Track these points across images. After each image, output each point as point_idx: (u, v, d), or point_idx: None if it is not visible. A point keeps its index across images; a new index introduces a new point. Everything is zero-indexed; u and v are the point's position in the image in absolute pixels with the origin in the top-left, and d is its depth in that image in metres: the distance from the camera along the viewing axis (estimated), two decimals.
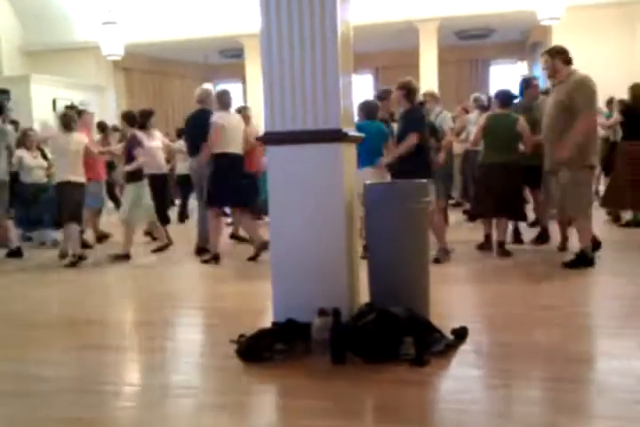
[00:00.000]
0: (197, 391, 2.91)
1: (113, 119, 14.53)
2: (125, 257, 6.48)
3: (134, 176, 6.66)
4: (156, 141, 7.43)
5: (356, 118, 4.97)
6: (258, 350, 3.16)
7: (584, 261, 5.12)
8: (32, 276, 5.99)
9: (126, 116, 7.10)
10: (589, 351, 3.35)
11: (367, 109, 5.93)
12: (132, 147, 6.63)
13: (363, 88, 14.57)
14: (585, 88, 5.05)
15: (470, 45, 15.26)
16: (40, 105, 12.54)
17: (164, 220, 7.33)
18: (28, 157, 7.36)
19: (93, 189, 7.34)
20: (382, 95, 6.61)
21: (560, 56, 5.16)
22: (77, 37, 13.97)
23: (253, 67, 13.70)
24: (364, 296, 3.57)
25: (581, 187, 5.13)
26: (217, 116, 6.13)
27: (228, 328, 3.70)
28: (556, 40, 11.98)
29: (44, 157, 7.66)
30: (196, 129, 6.38)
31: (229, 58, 15.87)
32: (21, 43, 14.30)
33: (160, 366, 3.30)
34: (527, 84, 6.62)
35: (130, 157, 6.64)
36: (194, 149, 6.52)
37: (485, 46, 15.41)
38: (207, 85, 17.10)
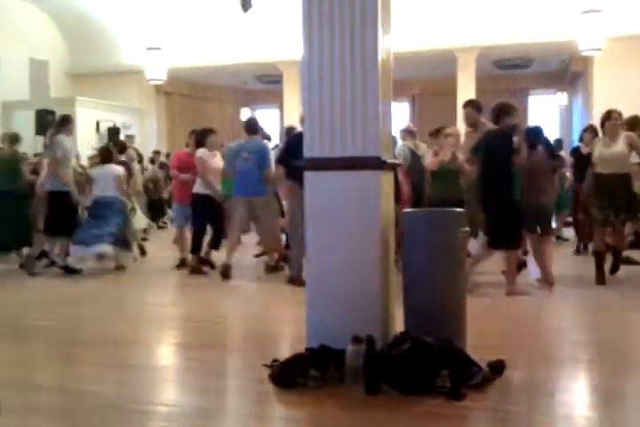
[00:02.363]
0: (229, 414, 2.91)
1: (154, 142, 14.91)
2: None
3: None
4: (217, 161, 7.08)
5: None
6: (291, 375, 3.13)
7: None
8: (71, 292, 6.08)
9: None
10: (632, 389, 3.24)
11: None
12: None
13: (399, 115, 14.66)
14: None
15: (509, 75, 15.20)
16: (84, 127, 12.92)
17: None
18: None
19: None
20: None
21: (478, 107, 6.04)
22: (122, 62, 14.39)
23: (291, 93, 13.91)
24: (399, 324, 3.53)
25: None
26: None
27: (261, 352, 3.68)
28: (598, 71, 11.92)
29: None
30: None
31: (267, 84, 16.12)
32: (68, 66, 14.79)
33: (194, 387, 3.29)
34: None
35: None
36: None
37: (524, 76, 15.34)
38: (245, 110, 17.37)
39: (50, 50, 14.27)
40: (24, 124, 11.94)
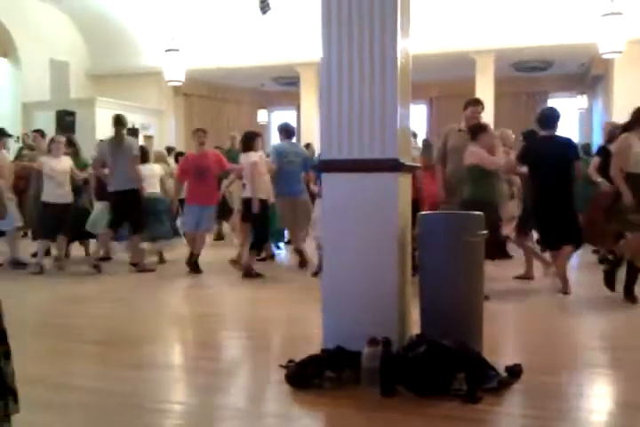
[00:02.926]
0: (244, 414, 2.91)
1: (172, 142, 15.02)
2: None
3: None
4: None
5: None
6: (307, 376, 3.13)
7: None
8: (89, 291, 6.13)
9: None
10: None
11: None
12: None
13: (417, 118, 14.61)
14: None
15: (528, 77, 15.09)
16: (103, 127, 12.99)
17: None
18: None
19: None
20: None
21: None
22: (141, 63, 14.52)
23: (308, 94, 13.95)
24: (415, 326, 3.52)
25: None
26: None
27: (277, 353, 3.70)
28: (618, 73, 11.80)
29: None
30: None
31: (284, 85, 16.17)
32: (88, 67, 14.94)
33: (210, 387, 3.29)
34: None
35: None
36: None
37: (543, 79, 15.21)
38: (262, 112, 17.43)
39: (70, 51, 14.43)
40: (44, 125, 12.07)
